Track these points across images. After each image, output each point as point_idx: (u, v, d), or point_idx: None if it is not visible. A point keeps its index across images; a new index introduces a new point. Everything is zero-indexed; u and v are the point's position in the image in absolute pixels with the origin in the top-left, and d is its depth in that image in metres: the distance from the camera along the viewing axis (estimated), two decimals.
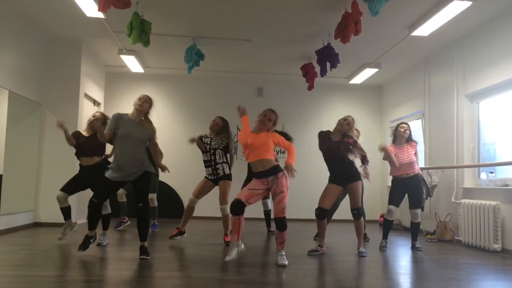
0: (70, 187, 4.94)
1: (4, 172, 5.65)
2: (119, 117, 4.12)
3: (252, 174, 4.23)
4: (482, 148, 5.99)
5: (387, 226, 5.23)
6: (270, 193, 4.08)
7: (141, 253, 4.13)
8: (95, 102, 7.92)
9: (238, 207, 3.94)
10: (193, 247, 5.02)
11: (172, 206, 8.09)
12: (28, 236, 5.58)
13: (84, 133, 5.05)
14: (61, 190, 4.89)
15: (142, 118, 4.22)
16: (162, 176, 8.17)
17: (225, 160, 5.13)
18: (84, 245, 4.19)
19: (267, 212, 6.37)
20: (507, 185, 5.23)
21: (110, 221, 4.92)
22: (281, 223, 4.00)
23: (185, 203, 8.28)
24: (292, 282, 3.46)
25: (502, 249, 5.10)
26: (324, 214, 4.68)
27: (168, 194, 8.24)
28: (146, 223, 4.20)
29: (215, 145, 5.09)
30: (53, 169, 6.58)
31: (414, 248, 5.18)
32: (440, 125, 6.74)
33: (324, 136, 4.79)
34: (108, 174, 4.11)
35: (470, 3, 4.82)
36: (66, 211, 4.98)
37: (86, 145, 4.94)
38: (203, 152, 5.18)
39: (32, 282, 3.16)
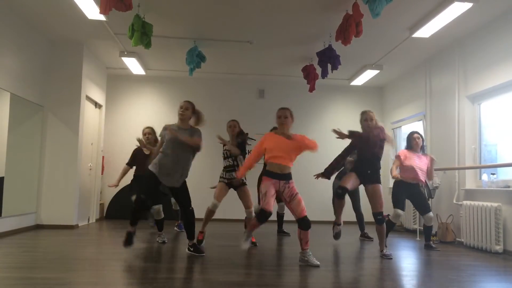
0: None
1: (6, 174, 5.65)
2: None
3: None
4: (484, 149, 5.99)
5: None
6: (283, 197, 4.20)
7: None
8: (97, 104, 7.93)
9: (266, 217, 4.08)
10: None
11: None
12: (30, 238, 5.59)
13: (144, 150, 5.84)
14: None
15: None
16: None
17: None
18: (128, 242, 4.39)
19: (281, 214, 6.51)
20: (508, 187, 5.22)
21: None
22: (307, 222, 4.13)
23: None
24: (294, 284, 3.46)
25: (504, 251, 5.10)
26: (345, 193, 4.79)
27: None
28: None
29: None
30: (55, 171, 6.61)
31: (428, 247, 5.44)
32: (441, 127, 6.73)
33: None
34: None
35: (471, 4, 4.82)
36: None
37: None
38: (224, 158, 5.29)
39: (34, 284, 3.16)
